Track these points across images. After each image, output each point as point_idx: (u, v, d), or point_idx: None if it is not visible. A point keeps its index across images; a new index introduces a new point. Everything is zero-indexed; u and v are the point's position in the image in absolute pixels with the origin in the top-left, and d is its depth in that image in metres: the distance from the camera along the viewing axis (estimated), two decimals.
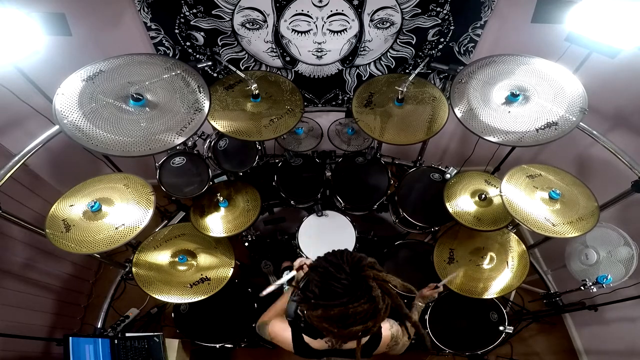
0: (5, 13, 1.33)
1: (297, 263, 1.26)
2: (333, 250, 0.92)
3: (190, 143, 1.77)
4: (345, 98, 2.30)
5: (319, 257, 0.92)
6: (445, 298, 1.91)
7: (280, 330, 1.15)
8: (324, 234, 1.94)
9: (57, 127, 1.31)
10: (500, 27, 1.90)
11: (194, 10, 1.73)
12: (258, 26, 1.83)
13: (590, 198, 1.51)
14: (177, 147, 1.47)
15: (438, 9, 1.79)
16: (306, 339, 1.10)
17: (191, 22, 1.78)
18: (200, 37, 1.85)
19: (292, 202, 2.05)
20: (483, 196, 1.68)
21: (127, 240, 1.38)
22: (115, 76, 1.37)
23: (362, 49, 1.98)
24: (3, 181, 1.31)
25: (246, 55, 1.98)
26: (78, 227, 1.41)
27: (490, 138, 1.46)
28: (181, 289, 1.66)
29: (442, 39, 1.95)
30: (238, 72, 1.65)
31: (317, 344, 1.10)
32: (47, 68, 1.63)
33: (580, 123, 1.44)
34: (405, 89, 1.65)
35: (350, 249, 1.80)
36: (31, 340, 1.88)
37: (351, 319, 0.83)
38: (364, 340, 1.06)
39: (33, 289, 2.15)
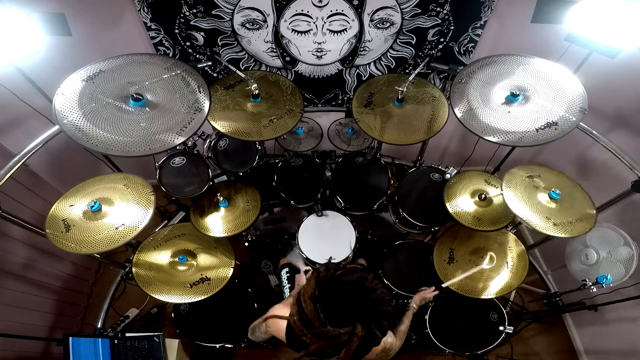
0: (5, 13, 1.33)
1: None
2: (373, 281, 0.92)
3: (190, 143, 1.76)
4: (345, 98, 2.30)
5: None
6: (445, 298, 1.91)
7: (277, 320, 1.16)
8: (324, 234, 1.94)
9: (57, 127, 1.31)
10: (500, 27, 1.90)
11: (194, 10, 1.73)
12: (258, 26, 1.82)
13: (589, 199, 1.51)
14: (177, 147, 1.47)
15: (438, 9, 1.79)
16: None
17: (191, 22, 1.78)
18: (200, 37, 1.85)
19: (292, 202, 2.05)
20: (483, 196, 1.68)
21: (127, 240, 1.39)
22: (115, 76, 1.37)
23: (362, 49, 1.98)
24: (3, 181, 1.31)
25: (246, 55, 1.98)
26: (78, 227, 1.41)
27: (490, 138, 1.46)
28: (181, 289, 1.66)
29: (442, 39, 1.95)
30: (238, 72, 1.65)
31: None
32: (47, 68, 1.62)
33: (580, 123, 1.44)
34: (405, 89, 1.64)
35: (350, 248, 1.83)
36: (31, 340, 1.88)
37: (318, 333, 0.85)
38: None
39: (33, 289, 2.15)
